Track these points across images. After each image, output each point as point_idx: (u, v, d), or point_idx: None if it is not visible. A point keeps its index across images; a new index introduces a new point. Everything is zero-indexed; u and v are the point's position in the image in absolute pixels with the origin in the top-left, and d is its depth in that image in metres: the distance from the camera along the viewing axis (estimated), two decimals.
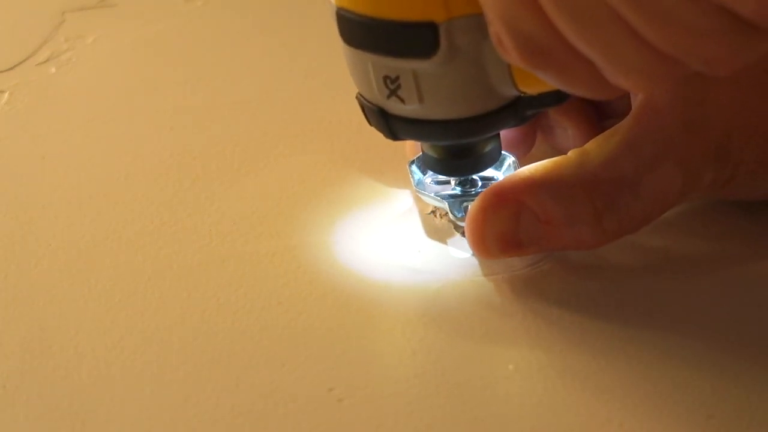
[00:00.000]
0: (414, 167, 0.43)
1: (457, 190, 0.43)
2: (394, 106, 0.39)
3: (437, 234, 0.43)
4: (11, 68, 0.57)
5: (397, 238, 0.43)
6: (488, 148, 0.41)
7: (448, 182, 0.43)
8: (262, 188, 0.47)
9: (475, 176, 0.43)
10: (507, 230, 0.40)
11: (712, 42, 0.30)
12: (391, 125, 0.40)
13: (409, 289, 0.41)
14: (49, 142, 0.50)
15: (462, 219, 0.42)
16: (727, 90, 0.39)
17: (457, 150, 0.41)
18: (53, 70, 0.57)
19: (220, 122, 0.52)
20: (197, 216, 0.45)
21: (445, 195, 0.43)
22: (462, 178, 0.43)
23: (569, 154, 0.40)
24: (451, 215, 0.42)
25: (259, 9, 0.64)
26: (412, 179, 0.43)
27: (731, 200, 0.43)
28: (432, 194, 0.43)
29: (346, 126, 0.51)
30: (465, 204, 0.42)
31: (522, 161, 0.43)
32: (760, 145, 0.40)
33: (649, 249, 0.42)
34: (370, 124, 0.41)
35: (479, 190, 0.42)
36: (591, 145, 0.40)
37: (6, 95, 0.55)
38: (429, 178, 0.43)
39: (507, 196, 0.39)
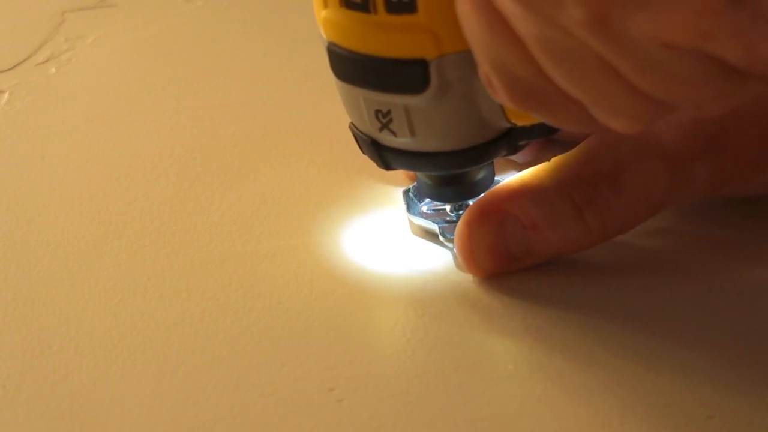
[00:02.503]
0: (409, 194, 0.44)
1: (452, 216, 0.43)
2: (386, 138, 0.39)
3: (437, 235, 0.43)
4: (11, 68, 0.57)
5: (398, 238, 0.43)
6: (482, 174, 0.41)
7: (443, 209, 0.44)
8: (262, 188, 0.47)
9: (470, 202, 0.44)
10: (495, 242, 0.40)
11: (701, 88, 0.30)
12: (383, 156, 0.40)
13: (409, 289, 0.41)
14: (49, 142, 0.50)
15: (452, 242, 0.42)
16: None
17: (451, 177, 0.41)
18: (53, 70, 0.57)
19: (220, 122, 0.52)
20: (197, 216, 0.45)
21: (439, 221, 0.43)
22: (457, 205, 0.43)
23: (549, 160, 0.40)
24: (444, 241, 0.42)
25: (259, 9, 0.64)
26: (405, 205, 0.44)
27: (739, 197, 0.43)
28: (426, 220, 0.43)
29: (345, 126, 0.51)
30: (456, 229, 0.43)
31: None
32: (757, 137, 0.40)
33: (649, 250, 0.42)
34: (363, 153, 0.41)
35: None
36: (568, 151, 0.40)
37: (6, 95, 0.55)
38: (424, 205, 0.44)
39: (489, 209, 0.40)
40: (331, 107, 0.53)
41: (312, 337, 0.38)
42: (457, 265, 0.41)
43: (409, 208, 0.44)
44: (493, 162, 0.42)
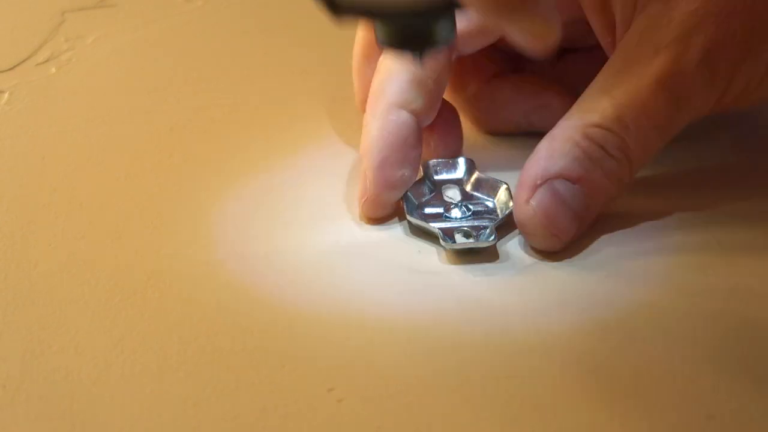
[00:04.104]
0: (408, 195, 0.44)
1: (450, 219, 0.43)
2: None
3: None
4: (11, 68, 0.57)
5: (397, 238, 0.43)
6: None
7: (440, 212, 0.44)
8: (261, 188, 0.47)
9: (467, 205, 0.44)
10: (555, 208, 0.41)
11: None
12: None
13: (409, 289, 0.41)
14: (49, 142, 0.50)
15: (452, 246, 0.42)
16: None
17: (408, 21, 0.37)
18: (53, 70, 0.57)
19: (220, 122, 0.52)
20: (197, 216, 0.45)
21: (436, 223, 0.43)
22: (453, 206, 0.43)
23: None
24: (442, 243, 0.42)
25: (259, 9, 0.64)
26: (405, 207, 0.44)
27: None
28: (424, 222, 0.43)
29: (345, 126, 0.51)
30: (456, 233, 0.43)
31: None
32: (739, 29, 0.41)
33: (649, 250, 0.42)
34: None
35: (471, 221, 0.43)
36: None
37: (6, 95, 0.55)
38: (423, 206, 0.44)
39: (534, 182, 0.41)
40: (331, 107, 0.53)
41: (312, 337, 0.38)
42: (457, 266, 0.41)
43: (408, 209, 0.44)
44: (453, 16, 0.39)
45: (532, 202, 0.41)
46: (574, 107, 0.42)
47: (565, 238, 0.42)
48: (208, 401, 0.36)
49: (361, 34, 0.48)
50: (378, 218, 0.44)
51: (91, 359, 0.37)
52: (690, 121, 0.42)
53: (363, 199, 0.44)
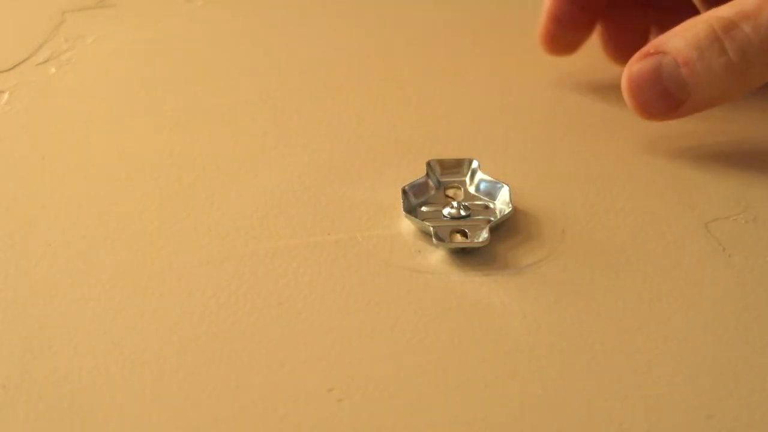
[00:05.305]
0: (407, 193, 0.44)
1: (448, 218, 0.43)
2: None
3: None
4: (11, 68, 0.57)
5: (397, 237, 0.43)
6: None
7: (439, 210, 0.44)
8: (262, 188, 0.47)
9: (467, 205, 0.44)
10: (654, 80, 0.43)
11: None
12: None
13: (408, 289, 0.41)
14: (49, 142, 0.50)
15: (443, 244, 0.42)
16: None
17: None
18: (53, 70, 0.57)
19: (220, 122, 0.52)
20: (197, 216, 0.45)
21: (435, 222, 0.43)
22: (453, 206, 0.43)
23: None
24: (434, 241, 0.42)
25: (259, 9, 0.64)
26: (403, 206, 0.44)
27: None
28: (419, 221, 0.43)
29: (345, 126, 0.52)
30: (452, 232, 0.43)
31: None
32: None
33: (648, 249, 0.42)
34: None
35: (468, 221, 0.43)
36: None
37: (6, 95, 0.55)
38: (422, 205, 0.44)
39: (649, 50, 0.44)
40: (332, 107, 0.53)
41: (312, 337, 0.38)
42: (457, 266, 0.41)
43: (407, 207, 0.44)
44: None
45: (634, 67, 0.44)
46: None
47: (651, 111, 0.44)
48: (208, 401, 0.36)
49: None
50: (559, 52, 0.52)
51: (91, 359, 0.37)
52: None
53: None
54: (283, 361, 0.37)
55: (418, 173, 0.46)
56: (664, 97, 0.43)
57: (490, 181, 0.45)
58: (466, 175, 0.46)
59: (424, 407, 0.35)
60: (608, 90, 0.52)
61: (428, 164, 0.46)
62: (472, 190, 0.45)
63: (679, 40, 0.43)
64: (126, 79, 0.56)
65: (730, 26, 0.42)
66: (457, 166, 0.46)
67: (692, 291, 0.40)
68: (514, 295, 0.40)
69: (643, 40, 0.52)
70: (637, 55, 0.44)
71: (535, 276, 0.41)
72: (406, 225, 0.44)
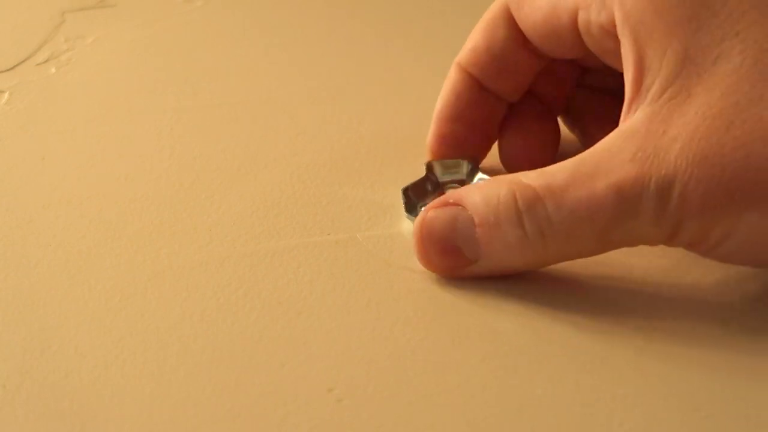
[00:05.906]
0: (407, 193, 0.44)
1: None
2: None
3: None
4: (11, 68, 0.57)
5: (397, 237, 0.43)
6: None
7: None
8: (262, 188, 0.47)
9: None
10: (446, 234, 0.40)
11: None
12: None
13: (408, 289, 0.41)
14: (49, 142, 0.51)
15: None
16: (693, 120, 0.37)
17: None
18: (53, 70, 0.57)
19: (220, 122, 0.52)
20: (197, 216, 0.45)
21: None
22: None
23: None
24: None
25: (259, 9, 0.64)
26: (404, 206, 0.44)
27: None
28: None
29: (345, 126, 0.52)
30: None
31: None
32: (708, 191, 0.36)
33: (648, 249, 0.42)
34: None
35: None
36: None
37: (6, 95, 0.55)
38: (422, 205, 0.44)
39: (450, 199, 0.40)
40: (332, 107, 0.53)
41: (312, 337, 0.38)
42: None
43: (408, 207, 0.44)
44: None
45: (430, 213, 0.40)
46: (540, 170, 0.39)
47: (437, 264, 0.40)
48: (208, 401, 0.36)
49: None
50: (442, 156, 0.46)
51: (91, 359, 0.37)
52: (628, 245, 0.39)
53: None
54: (283, 361, 0.37)
55: (418, 173, 0.46)
56: (453, 253, 0.40)
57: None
58: (465, 175, 0.46)
59: (424, 407, 0.35)
60: None
61: (428, 164, 0.46)
62: None
63: (480, 199, 0.39)
64: (126, 79, 0.56)
65: (533, 200, 0.38)
66: (457, 166, 0.46)
67: (690, 289, 0.40)
68: (515, 295, 0.40)
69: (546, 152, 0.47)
70: (436, 202, 0.40)
71: (534, 276, 0.41)
72: (406, 225, 0.44)
